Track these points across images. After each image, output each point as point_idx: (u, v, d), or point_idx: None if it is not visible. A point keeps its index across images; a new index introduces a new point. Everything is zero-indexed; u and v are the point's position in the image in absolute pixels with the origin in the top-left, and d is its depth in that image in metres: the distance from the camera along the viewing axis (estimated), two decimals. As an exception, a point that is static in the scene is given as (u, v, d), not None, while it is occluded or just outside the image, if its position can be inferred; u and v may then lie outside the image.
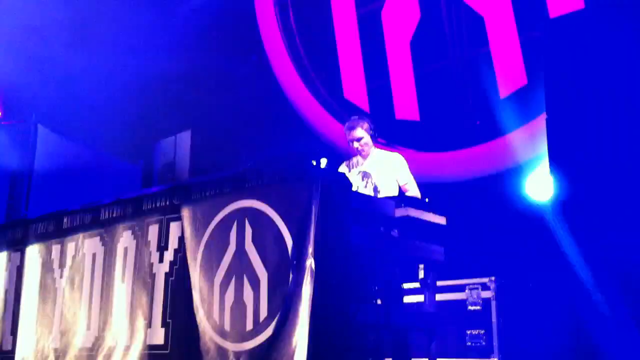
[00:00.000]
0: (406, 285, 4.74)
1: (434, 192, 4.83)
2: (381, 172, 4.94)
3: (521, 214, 5.98)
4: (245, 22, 8.86)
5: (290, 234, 3.24)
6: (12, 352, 4.63)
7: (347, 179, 3.48)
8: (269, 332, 3.18)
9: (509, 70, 6.69)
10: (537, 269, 5.64)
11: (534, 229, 5.74)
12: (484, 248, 5.90)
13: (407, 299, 4.89)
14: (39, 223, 4.79)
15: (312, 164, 3.29)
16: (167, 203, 3.90)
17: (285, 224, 3.27)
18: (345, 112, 7.35)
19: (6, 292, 4.86)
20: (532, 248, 5.77)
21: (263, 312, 3.24)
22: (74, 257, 4.38)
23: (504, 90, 6.69)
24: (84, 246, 4.33)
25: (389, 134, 6.89)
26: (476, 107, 6.94)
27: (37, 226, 4.80)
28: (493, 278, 5.28)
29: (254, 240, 3.40)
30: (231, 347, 3.33)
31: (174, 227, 3.81)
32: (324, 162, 3.44)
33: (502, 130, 6.47)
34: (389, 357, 4.48)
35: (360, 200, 3.73)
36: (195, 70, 8.67)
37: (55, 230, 4.62)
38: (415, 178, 5.05)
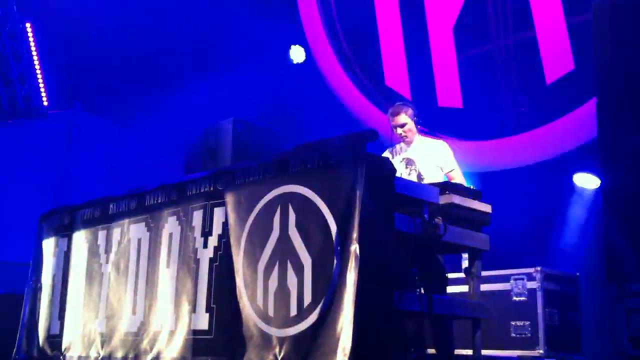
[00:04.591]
0: (451, 275, 4.68)
1: (478, 180, 4.75)
2: (425, 159, 4.86)
3: (568, 202, 5.86)
4: (287, 11, 8.83)
5: (334, 219, 3.19)
6: (60, 336, 4.72)
7: (391, 164, 3.42)
8: (313, 317, 3.14)
9: (555, 56, 6.53)
10: (583, 259, 5.52)
11: (580, 218, 5.62)
12: (530, 237, 5.79)
13: (451, 288, 4.82)
14: (86, 209, 4.85)
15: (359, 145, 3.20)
16: (211, 188, 3.90)
17: (329, 209, 3.23)
18: (387, 100, 7.29)
19: (54, 277, 4.96)
20: (577, 237, 5.65)
21: (307, 298, 3.21)
22: (119, 242, 4.43)
23: (551, 76, 6.54)
24: (130, 232, 4.37)
25: (431, 122, 6.80)
26: (521, 94, 6.80)
27: (83, 212, 4.86)
28: (539, 268, 5.18)
29: (297, 226, 3.36)
30: (275, 332, 3.31)
31: (218, 213, 3.80)
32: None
33: (549, 118, 6.33)
34: (431, 347, 4.42)
35: (405, 186, 3.66)
36: (236, 59, 8.69)
37: (101, 216, 4.68)
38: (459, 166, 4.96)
